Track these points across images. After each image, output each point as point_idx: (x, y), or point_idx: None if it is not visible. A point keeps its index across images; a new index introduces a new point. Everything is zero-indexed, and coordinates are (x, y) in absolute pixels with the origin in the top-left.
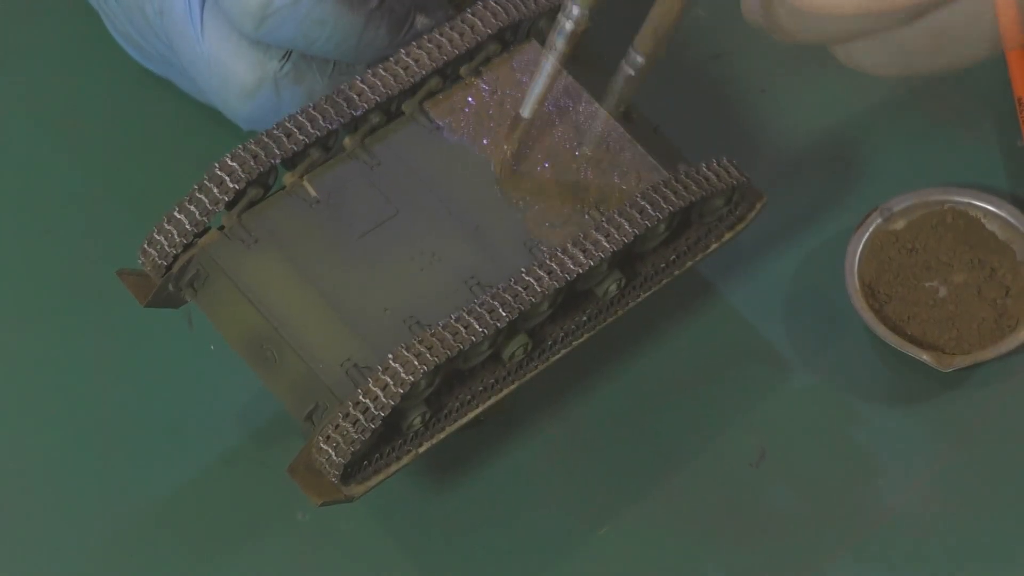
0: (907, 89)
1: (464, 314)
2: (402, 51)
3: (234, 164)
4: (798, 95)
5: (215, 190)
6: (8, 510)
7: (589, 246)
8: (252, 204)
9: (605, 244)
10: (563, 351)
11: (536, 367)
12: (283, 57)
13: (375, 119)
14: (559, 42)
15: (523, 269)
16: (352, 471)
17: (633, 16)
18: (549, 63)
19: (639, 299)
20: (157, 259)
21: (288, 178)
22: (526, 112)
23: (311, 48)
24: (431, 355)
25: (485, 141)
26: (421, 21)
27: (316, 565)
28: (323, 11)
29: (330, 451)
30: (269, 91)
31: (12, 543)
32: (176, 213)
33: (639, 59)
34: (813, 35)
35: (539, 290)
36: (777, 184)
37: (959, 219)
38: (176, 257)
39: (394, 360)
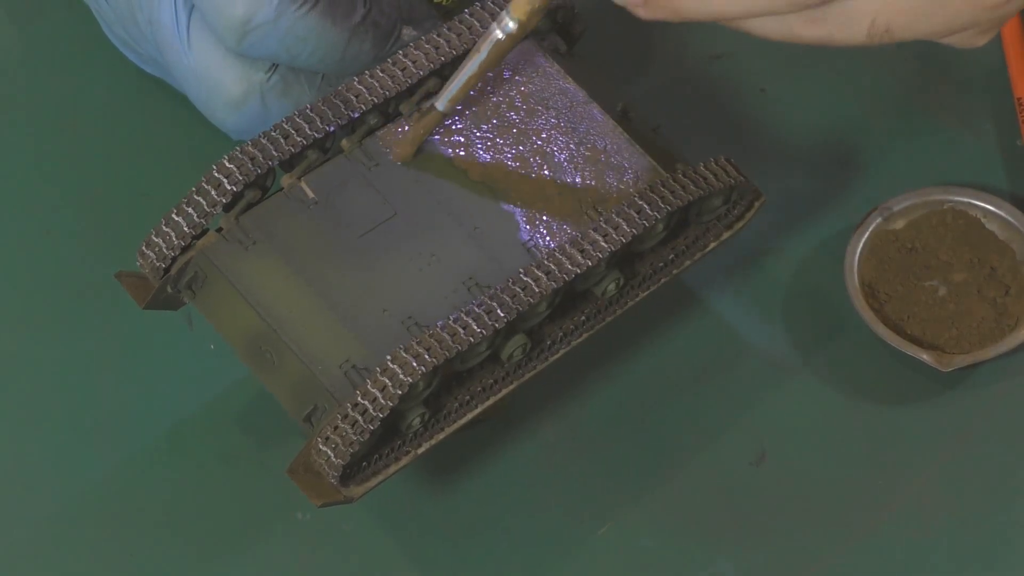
0: (907, 89)
1: (462, 315)
2: (400, 52)
3: (232, 166)
4: (798, 95)
5: (213, 192)
6: (8, 510)
7: (587, 246)
8: (250, 206)
9: (603, 244)
10: (562, 351)
11: (535, 367)
12: (269, 69)
13: (372, 120)
14: (485, 50)
15: (521, 269)
16: (351, 472)
17: (631, 17)
18: (472, 67)
19: (638, 299)
20: (155, 261)
21: (286, 180)
22: (440, 105)
23: (295, 62)
24: (429, 356)
25: (484, 140)
26: (408, 33)
27: (316, 565)
28: (305, 27)
29: (329, 452)
30: (256, 102)
31: (12, 542)
32: (174, 215)
33: (511, 24)
34: (704, 13)
35: (537, 290)
36: (777, 184)
37: (959, 218)
38: (174, 259)
39: (392, 361)
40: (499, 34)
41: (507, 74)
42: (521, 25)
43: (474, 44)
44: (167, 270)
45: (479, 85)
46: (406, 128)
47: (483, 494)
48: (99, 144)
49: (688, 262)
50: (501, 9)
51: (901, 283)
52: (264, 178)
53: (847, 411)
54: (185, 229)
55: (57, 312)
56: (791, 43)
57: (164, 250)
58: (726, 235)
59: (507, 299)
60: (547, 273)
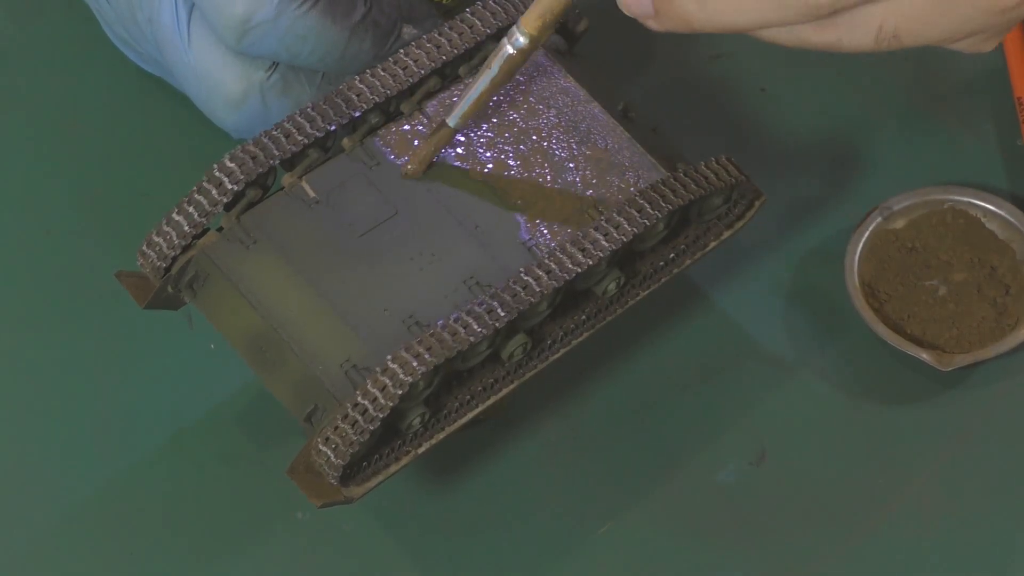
0: (907, 89)
1: (463, 314)
2: (401, 51)
3: (232, 165)
4: (798, 95)
5: (214, 192)
6: (8, 510)
7: (588, 245)
8: (251, 205)
9: (604, 243)
10: (562, 350)
11: (535, 367)
12: (269, 68)
13: (374, 119)
14: (496, 65)
15: (522, 269)
16: (351, 472)
17: (632, 18)
18: (484, 83)
19: (638, 298)
20: (156, 261)
21: (287, 179)
22: (452, 121)
23: (295, 61)
24: (430, 356)
25: (484, 139)
26: (408, 32)
27: (316, 565)
28: (305, 26)
29: (329, 453)
30: (256, 101)
31: (12, 542)
32: (174, 215)
33: (522, 39)
34: (715, 24)
35: (538, 290)
36: (777, 183)
37: (959, 218)
38: (175, 259)
39: (392, 361)
40: (510, 49)
41: None
42: (532, 39)
43: (475, 44)
44: (168, 269)
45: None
46: (415, 141)
47: (483, 494)
48: (99, 144)
49: (688, 261)
50: (501, 8)
51: (901, 283)
52: (265, 177)
53: (847, 411)
54: (186, 228)
55: (57, 312)
56: (800, 49)
57: (165, 249)
58: (726, 234)
59: (508, 298)
60: (548, 272)
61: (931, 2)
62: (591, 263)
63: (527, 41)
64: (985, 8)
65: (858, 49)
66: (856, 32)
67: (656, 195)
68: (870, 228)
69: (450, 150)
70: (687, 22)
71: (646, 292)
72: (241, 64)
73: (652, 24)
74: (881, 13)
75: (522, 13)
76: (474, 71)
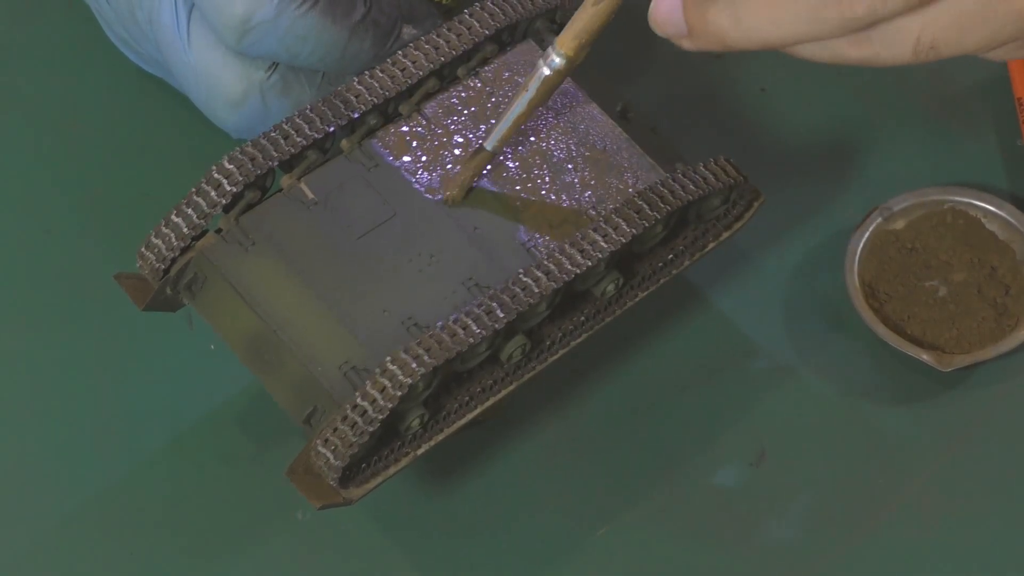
0: (907, 89)
1: (462, 315)
2: (399, 52)
3: (231, 167)
4: (798, 95)
5: (212, 193)
6: (8, 510)
7: (587, 246)
8: (249, 207)
9: (603, 244)
10: (561, 352)
11: (534, 368)
12: (270, 67)
13: (372, 120)
14: (533, 87)
15: (521, 270)
16: (351, 474)
17: (634, 16)
18: (521, 105)
19: (637, 299)
20: (154, 263)
21: (285, 180)
22: (489, 145)
23: (295, 61)
24: (429, 357)
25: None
26: (408, 32)
27: (316, 565)
28: (305, 26)
29: (328, 454)
30: (256, 101)
31: (12, 542)
32: (173, 217)
33: (558, 60)
34: (750, 41)
35: (537, 291)
36: (777, 184)
37: (959, 218)
38: (173, 261)
39: (392, 362)
40: (546, 70)
41: (506, 74)
42: (569, 60)
43: (473, 45)
44: (166, 271)
45: (478, 85)
46: (414, 143)
47: (483, 495)
48: (99, 144)
49: (687, 262)
50: (500, 9)
51: (901, 283)
52: (264, 179)
53: (847, 411)
54: (184, 230)
55: (57, 312)
56: (837, 64)
57: (163, 251)
58: (725, 235)
59: (507, 299)
60: (547, 273)
61: (968, 12)
62: (590, 264)
63: (563, 62)
64: (1019, 16)
65: (896, 62)
66: (894, 45)
67: (655, 196)
68: (870, 228)
69: (449, 151)
70: (722, 40)
71: (645, 293)
72: (241, 64)
73: (686, 44)
74: (918, 25)
75: (521, 14)
76: (473, 72)
